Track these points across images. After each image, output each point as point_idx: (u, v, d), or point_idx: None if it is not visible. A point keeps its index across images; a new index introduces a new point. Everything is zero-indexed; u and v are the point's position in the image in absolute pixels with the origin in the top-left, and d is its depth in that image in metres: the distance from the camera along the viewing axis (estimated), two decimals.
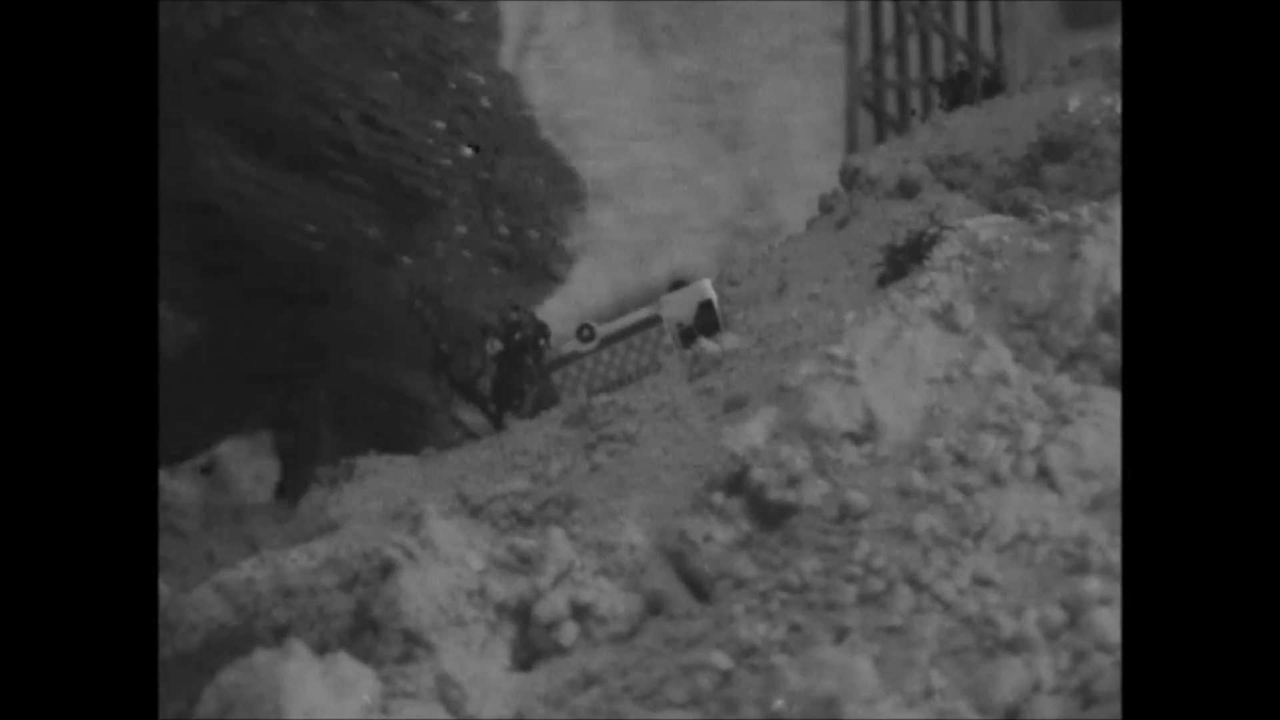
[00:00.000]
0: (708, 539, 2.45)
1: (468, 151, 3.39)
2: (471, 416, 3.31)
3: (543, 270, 3.35)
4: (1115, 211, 2.62)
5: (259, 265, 3.42)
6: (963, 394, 2.53)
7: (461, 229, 3.33)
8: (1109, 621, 2.15)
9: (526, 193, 3.38)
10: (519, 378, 3.13)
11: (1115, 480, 2.36)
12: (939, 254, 2.70)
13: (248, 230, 3.39)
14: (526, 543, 2.48)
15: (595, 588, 2.43)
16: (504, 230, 3.32)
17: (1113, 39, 3.33)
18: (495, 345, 3.22)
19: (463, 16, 3.44)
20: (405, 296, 3.38)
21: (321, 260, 3.36)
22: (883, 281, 2.80)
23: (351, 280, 3.21)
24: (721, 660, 2.24)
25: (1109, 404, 2.45)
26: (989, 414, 2.47)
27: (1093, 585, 2.19)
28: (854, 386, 2.51)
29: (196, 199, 3.39)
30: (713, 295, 2.95)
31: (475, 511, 2.65)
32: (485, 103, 3.44)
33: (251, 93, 3.35)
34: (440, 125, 3.35)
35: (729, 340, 2.83)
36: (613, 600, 2.42)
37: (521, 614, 2.42)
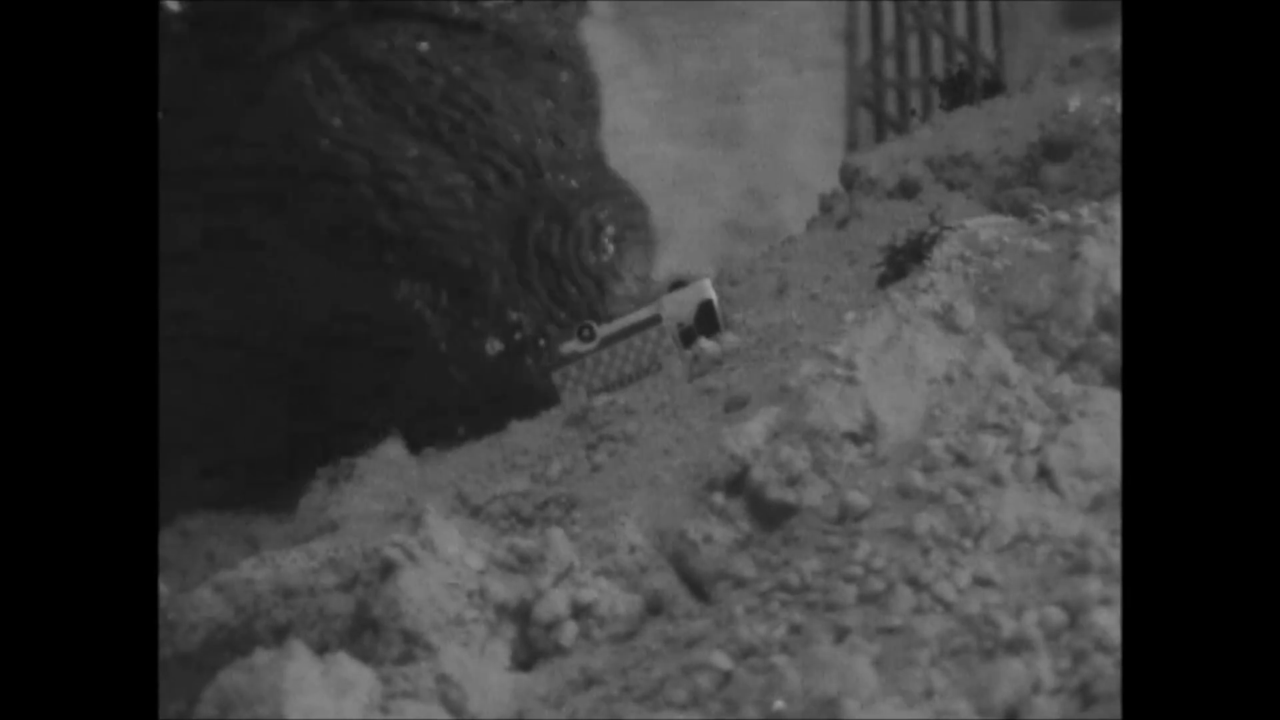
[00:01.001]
0: (708, 539, 2.45)
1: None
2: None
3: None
4: (1115, 211, 2.62)
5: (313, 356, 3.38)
6: (963, 394, 2.53)
7: (499, 292, 3.29)
8: (1109, 622, 2.15)
9: (567, 251, 3.33)
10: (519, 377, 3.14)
11: (1115, 480, 2.36)
12: (939, 254, 2.70)
13: (304, 317, 3.33)
14: (526, 543, 2.48)
15: (595, 588, 2.43)
16: (540, 290, 3.29)
17: (1113, 39, 3.33)
18: (495, 345, 3.22)
19: (511, 16, 3.35)
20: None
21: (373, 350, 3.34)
22: (883, 281, 2.80)
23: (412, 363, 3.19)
24: (722, 660, 2.24)
25: (1109, 404, 2.45)
26: (989, 414, 2.47)
27: (1093, 585, 2.19)
28: (854, 386, 2.51)
29: (258, 287, 3.34)
30: (713, 295, 2.95)
31: (475, 512, 2.65)
32: (509, 150, 3.37)
33: (287, 172, 3.29)
34: (465, 185, 3.30)
35: (729, 340, 2.83)
36: (613, 600, 2.42)
37: (521, 614, 2.42)
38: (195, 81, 3.33)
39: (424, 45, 3.32)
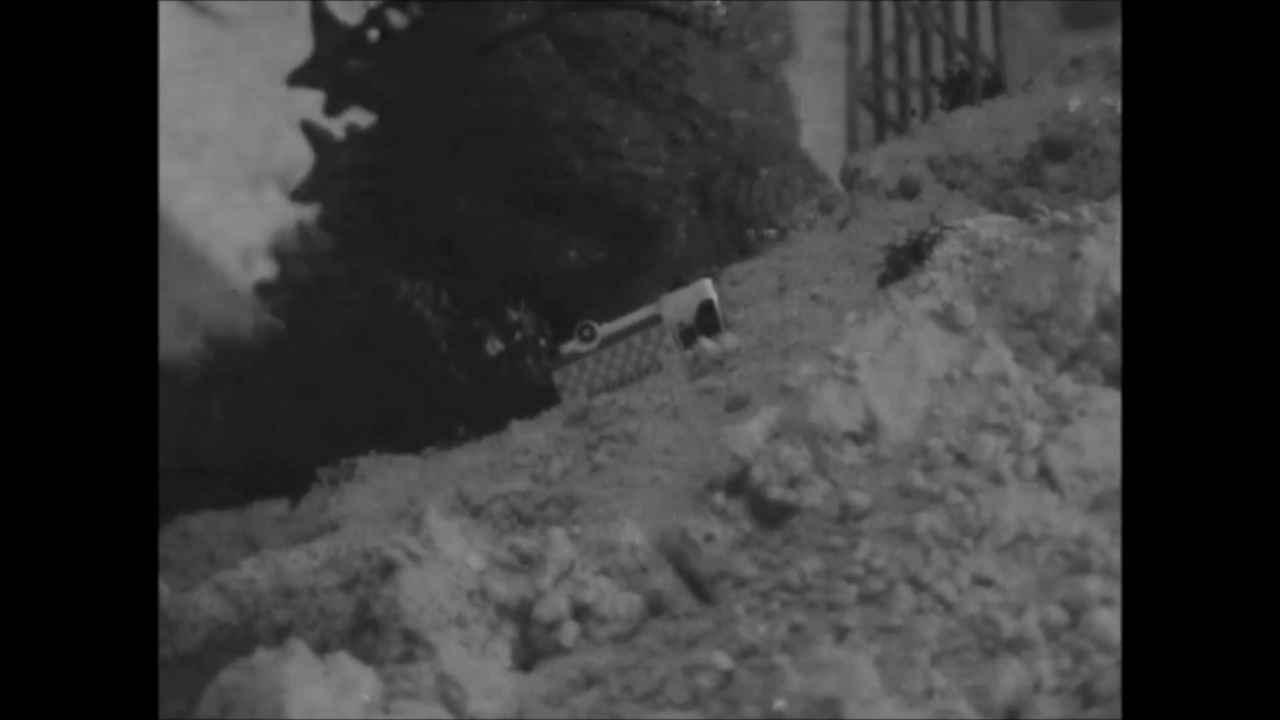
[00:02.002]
0: (708, 539, 2.45)
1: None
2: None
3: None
4: (1115, 211, 2.62)
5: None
6: (963, 394, 2.53)
7: (683, 241, 3.36)
8: (1109, 621, 2.15)
9: (751, 200, 3.39)
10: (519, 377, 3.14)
11: (1115, 480, 2.36)
12: (940, 254, 2.70)
13: (491, 269, 3.39)
14: (527, 543, 2.47)
15: (596, 588, 2.43)
16: (722, 237, 3.35)
17: (1113, 39, 3.33)
18: (495, 345, 3.22)
19: (718, 19, 3.43)
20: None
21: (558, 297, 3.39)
22: (883, 281, 2.80)
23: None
24: (722, 660, 2.24)
25: (1109, 404, 2.45)
26: (989, 414, 2.47)
27: (1093, 585, 2.19)
28: (855, 386, 2.51)
29: (448, 239, 3.41)
30: (713, 295, 2.94)
31: (476, 511, 2.65)
32: (704, 109, 3.42)
33: (488, 132, 3.37)
34: (659, 139, 3.36)
35: (729, 340, 2.83)
36: (613, 600, 2.42)
37: (522, 614, 2.42)
38: (415, 70, 3.45)
39: (631, 25, 3.40)
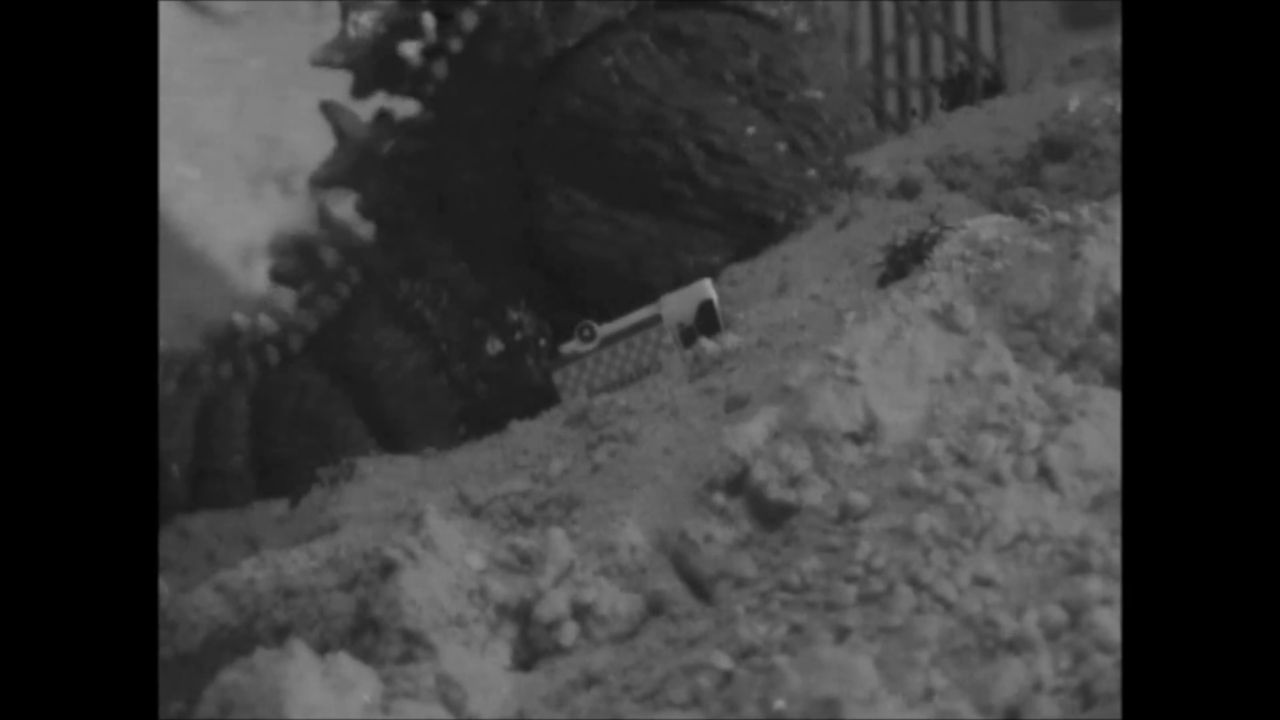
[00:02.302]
0: (708, 539, 2.45)
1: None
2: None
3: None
4: (1115, 211, 2.62)
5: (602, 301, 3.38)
6: (963, 394, 2.53)
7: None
8: (1109, 621, 2.15)
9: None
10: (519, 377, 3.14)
11: (1115, 480, 2.36)
12: (939, 254, 2.70)
13: (591, 266, 3.32)
14: (527, 543, 2.47)
15: (596, 588, 2.43)
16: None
17: (1113, 39, 3.34)
18: (495, 345, 3.22)
19: (801, 26, 3.34)
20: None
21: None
22: (883, 281, 2.80)
23: None
24: (722, 660, 2.24)
25: (1109, 404, 2.45)
26: (989, 414, 2.47)
27: (1093, 585, 2.19)
28: (854, 386, 2.51)
29: (538, 234, 3.31)
30: (713, 295, 2.95)
31: (476, 511, 2.65)
32: (825, 119, 3.34)
33: (591, 127, 3.28)
34: (782, 147, 3.32)
35: (729, 340, 2.83)
36: (613, 600, 2.42)
37: (522, 614, 2.42)
38: (487, 62, 3.38)
39: (734, 27, 3.34)
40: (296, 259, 3.58)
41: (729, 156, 3.26)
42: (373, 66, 3.44)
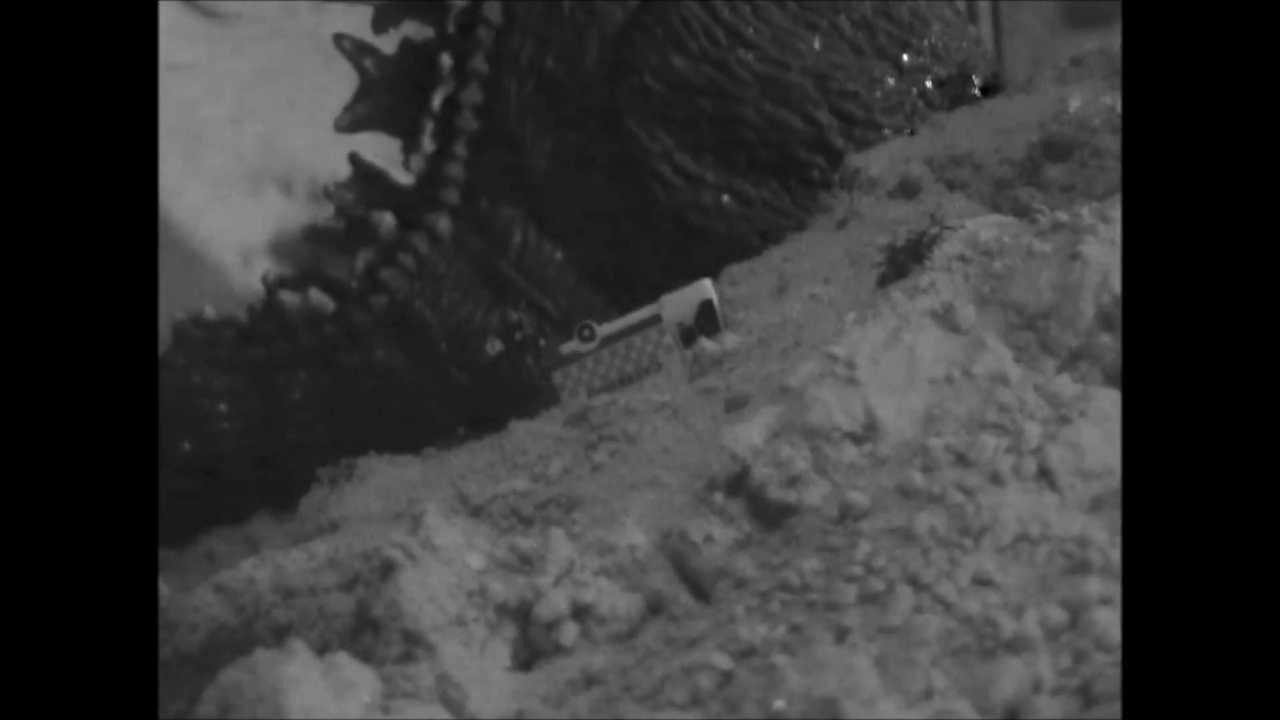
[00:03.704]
0: (708, 539, 2.45)
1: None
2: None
3: None
4: (1115, 211, 2.62)
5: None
6: (963, 394, 2.53)
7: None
8: (1109, 621, 2.15)
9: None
10: (519, 377, 3.13)
11: (1115, 480, 2.36)
12: (939, 254, 2.70)
13: (715, 242, 3.11)
14: (527, 543, 2.47)
15: (595, 588, 2.43)
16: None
17: (1113, 39, 3.33)
18: (495, 345, 3.22)
19: None
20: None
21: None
22: (883, 281, 2.80)
23: None
24: (722, 660, 2.24)
25: (1109, 404, 2.45)
26: (989, 414, 2.47)
27: (1093, 585, 2.19)
28: (854, 386, 2.51)
29: (649, 206, 3.10)
30: (713, 295, 2.94)
31: (476, 511, 2.65)
32: (953, 66, 3.10)
33: (705, 92, 3.04)
34: (916, 102, 3.08)
35: (729, 340, 2.83)
36: (613, 600, 2.42)
37: (522, 614, 2.42)
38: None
39: None
40: (341, 219, 3.30)
41: (864, 122, 3.06)
42: None
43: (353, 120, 3.31)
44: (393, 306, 3.20)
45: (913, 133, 3.21)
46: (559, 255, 3.18)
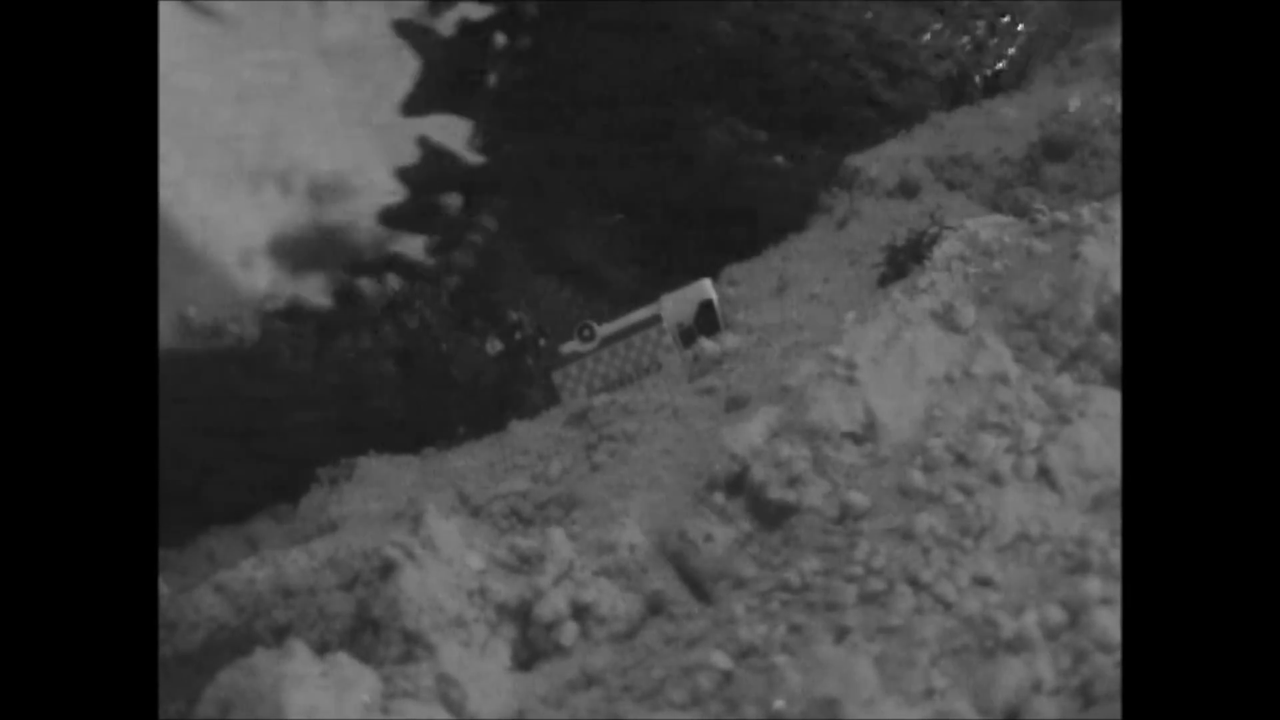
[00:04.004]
0: (708, 539, 2.45)
1: None
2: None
3: None
4: (1115, 211, 2.63)
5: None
6: (963, 394, 2.53)
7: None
8: (1109, 621, 2.15)
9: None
10: (519, 378, 3.13)
11: (1115, 480, 2.36)
12: (939, 254, 2.70)
13: (769, 201, 3.09)
14: (527, 543, 2.48)
15: (595, 588, 2.43)
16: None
17: (1113, 39, 3.33)
18: (495, 345, 3.22)
19: None
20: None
21: None
22: (883, 281, 2.80)
23: None
24: (722, 660, 2.24)
25: (1109, 404, 2.45)
26: (989, 414, 2.47)
27: (1093, 585, 2.19)
28: (854, 386, 2.51)
29: (698, 170, 3.06)
30: (713, 295, 2.94)
31: (475, 511, 2.65)
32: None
33: (746, 55, 3.01)
34: (965, 44, 3.04)
35: (729, 340, 2.83)
36: (613, 600, 2.42)
37: (521, 614, 2.42)
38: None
39: None
40: (410, 200, 3.31)
41: (909, 70, 3.02)
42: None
43: (422, 103, 3.34)
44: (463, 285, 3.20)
45: (964, 80, 3.19)
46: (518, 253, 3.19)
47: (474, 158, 3.31)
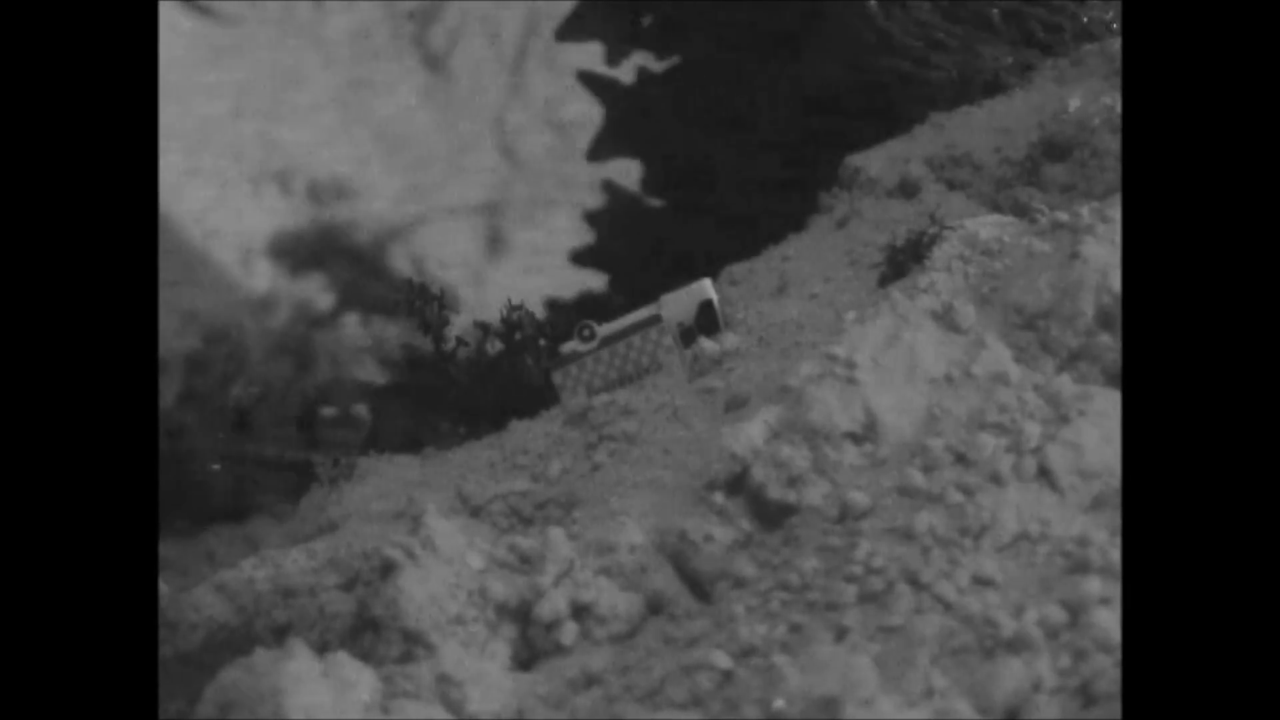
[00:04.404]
0: (708, 539, 2.45)
1: None
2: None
3: None
4: (1115, 211, 2.63)
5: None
6: (963, 394, 2.53)
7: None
8: (1109, 621, 2.15)
9: None
10: (519, 377, 3.13)
11: (1115, 480, 2.36)
12: (939, 254, 2.71)
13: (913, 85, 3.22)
14: (527, 542, 2.48)
15: (595, 588, 2.43)
16: None
17: (1113, 39, 3.33)
18: (495, 345, 3.22)
19: None
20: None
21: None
22: (883, 281, 2.80)
23: None
24: (722, 660, 2.24)
25: (1109, 404, 2.46)
26: (989, 414, 2.47)
27: (1093, 585, 2.19)
28: (854, 386, 2.51)
29: (839, 47, 3.20)
30: (713, 295, 2.94)
31: (476, 511, 2.65)
32: None
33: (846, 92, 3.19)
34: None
35: (729, 340, 2.83)
36: (613, 600, 2.42)
37: (522, 614, 2.42)
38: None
39: None
40: (597, 243, 3.47)
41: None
42: (614, 30, 3.41)
43: (604, 149, 3.55)
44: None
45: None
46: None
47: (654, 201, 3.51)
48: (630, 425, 2.71)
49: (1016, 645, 2.15)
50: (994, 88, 3.44)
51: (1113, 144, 3.00)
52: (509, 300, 3.21)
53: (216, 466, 3.12)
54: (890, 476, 2.42)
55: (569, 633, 2.40)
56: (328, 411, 3.22)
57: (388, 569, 2.41)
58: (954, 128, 3.31)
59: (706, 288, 2.96)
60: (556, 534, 2.48)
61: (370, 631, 2.40)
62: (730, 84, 3.32)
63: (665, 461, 2.60)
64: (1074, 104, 3.08)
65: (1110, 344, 2.56)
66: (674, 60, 3.44)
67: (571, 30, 3.53)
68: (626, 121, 3.49)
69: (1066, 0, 3.25)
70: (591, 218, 3.74)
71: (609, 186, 3.58)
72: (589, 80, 3.49)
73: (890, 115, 3.15)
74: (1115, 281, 2.56)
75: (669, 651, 2.33)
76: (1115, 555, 2.23)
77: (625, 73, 3.55)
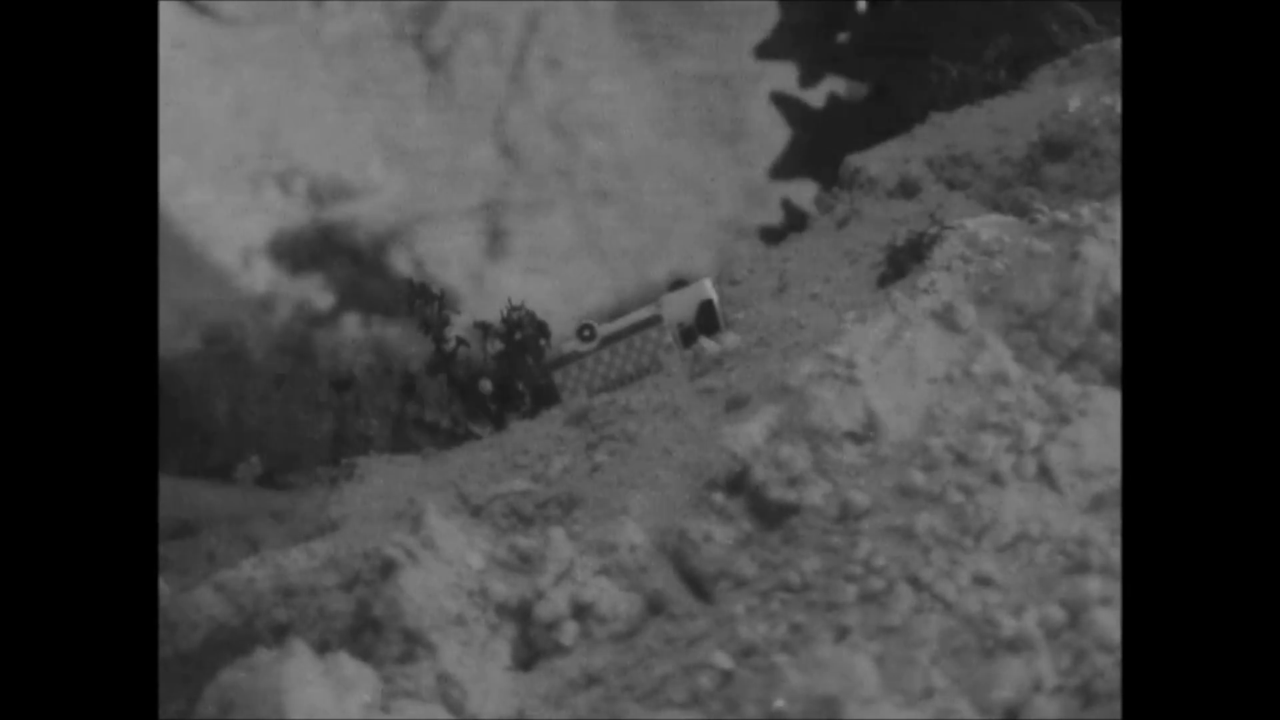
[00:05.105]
0: (708, 538, 2.45)
1: None
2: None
3: None
4: (1115, 211, 2.63)
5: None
6: (963, 394, 2.53)
7: None
8: (1109, 621, 2.15)
9: None
10: (519, 377, 3.13)
11: (1115, 480, 2.36)
12: (939, 254, 2.70)
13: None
14: (527, 542, 2.48)
15: (596, 587, 2.43)
16: None
17: (1113, 39, 3.33)
18: (495, 345, 3.22)
19: None
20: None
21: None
22: (883, 281, 2.80)
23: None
24: (722, 660, 2.24)
25: (1109, 404, 2.46)
26: (989, 414, 2.47)
27: (1093, 585, 2.19)
28: (854, 386, 2.51)
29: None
30: (713, 295, 2.94)
31: (476, 511, 2.65)
32: None
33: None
34: None
35: (729, 340, 2.83)
36: (613, 600, 2.42)
37: (522, 614, 2.42)
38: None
39: None
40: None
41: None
42: (810, 52, 3.58)
43: (788, 169, 3.78)
44: None
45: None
46: None
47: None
48: (630, 425, 2.70)
49: (1016, 645, 2.15)
50: (994, 88, 3.45)
51: (1113, 144, 3.00)
52: (509, 300, 3.21)
53: (375, 421, 3.20)
54: (890, 476, 2.42)
55: (569, 633, 2.40)
56: (485, 385, 3.27)
57: (388, 569, 2.41)
58: (954, 128, 3.31)
59: (706, 288, 2.96)
60: (557, 534, 2.48)
61: (370, 631, 2.40)
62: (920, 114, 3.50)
63: (665, 461, 2.59)
64: (1074, 104, 3.07)
65: (1110, 344, 2.56)
66: (864, 88, 3.70)
67: (770, 50, 3.75)
68: (814, 145, 3.72)
69: (1067, 1, 3.36)
70: (767, 234, 4.02)
71: (786, 205, 3.80)
72: (781, 101, 3.70)
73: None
74: (1115, 281, 2.56)
75: (669, 651, 2.33)
76: (1115, 555, 2.23)
77: (817, 96, 3.78)
